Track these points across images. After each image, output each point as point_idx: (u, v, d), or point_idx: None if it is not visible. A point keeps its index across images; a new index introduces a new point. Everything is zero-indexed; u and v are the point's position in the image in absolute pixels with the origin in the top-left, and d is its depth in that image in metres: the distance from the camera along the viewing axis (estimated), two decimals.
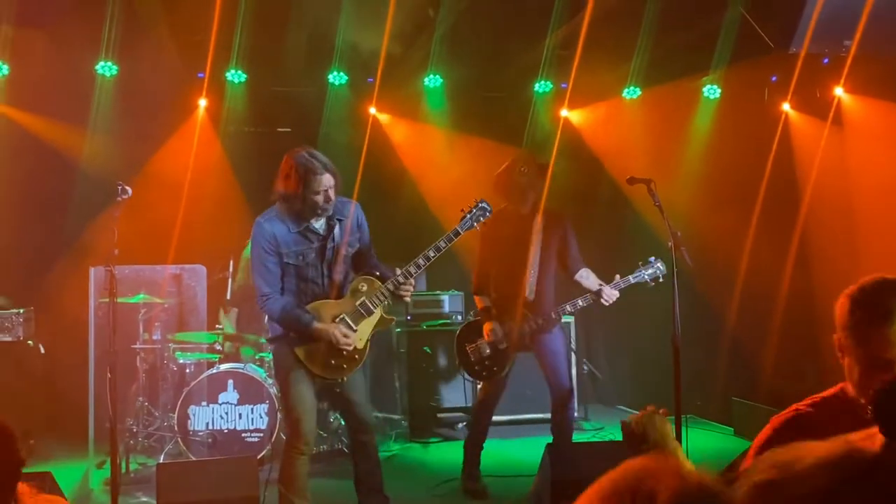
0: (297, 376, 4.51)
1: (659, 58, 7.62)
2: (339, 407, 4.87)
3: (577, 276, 5.60)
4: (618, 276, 5.41)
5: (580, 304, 5.42)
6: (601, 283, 5.45)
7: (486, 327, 5.48)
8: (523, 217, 5.55)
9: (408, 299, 4.61)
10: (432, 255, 4.55)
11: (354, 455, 4.86)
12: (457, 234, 4.65)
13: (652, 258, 5.43)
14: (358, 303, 4.52)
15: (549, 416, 5.67)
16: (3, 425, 2.05)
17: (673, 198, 6.46)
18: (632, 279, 5.39)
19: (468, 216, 4.73)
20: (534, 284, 5.49)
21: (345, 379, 4.55)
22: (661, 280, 5.41)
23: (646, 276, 5.38)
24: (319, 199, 4.42)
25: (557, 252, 5.60)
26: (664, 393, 5.46)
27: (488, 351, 5.48)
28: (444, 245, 4.58)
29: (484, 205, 4.76)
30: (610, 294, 5.37)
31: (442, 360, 7.48)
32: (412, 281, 4.56)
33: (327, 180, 4.41)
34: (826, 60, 7.40)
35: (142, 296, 6.33)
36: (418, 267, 4.52)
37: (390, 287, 4.51)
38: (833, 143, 7.52)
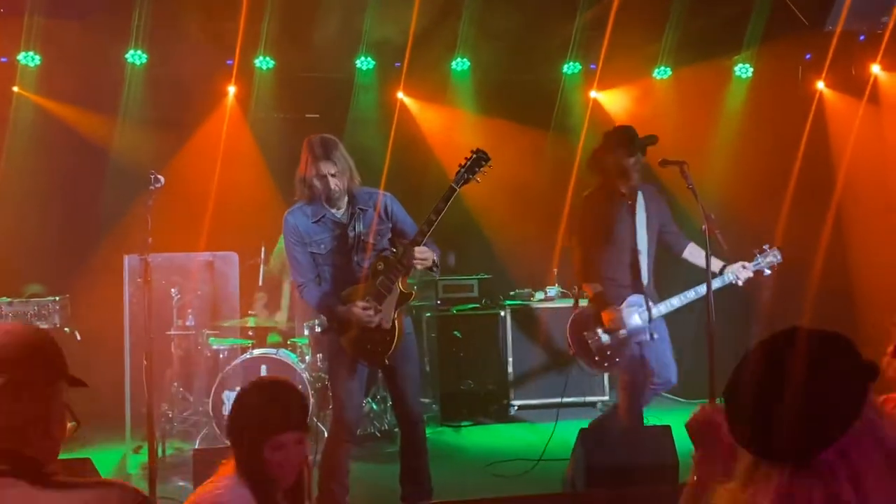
0: (343, 365, 4.55)
1: (690, 37, 7.51)
2: (392, 396, 4.87)
3: (687, 254, 5.23)
4: (740, 262, 5.06)
5: (716, 285, 4.86)
6: (722, 261, 5.04)
7: (606, 315, 5.03)
8: (623, 196, 5.08)
9: (420, 267, 4.43)
10: (434, 218, 4.38)
11: (402, 445, 4.79)
12: (452, 191, 4.42)
13: (766, 245, 5.11)
14: (378, 282, 4.49)
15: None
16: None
17: (705, 179, 6.38)
18: (752, 267, 5.06)
19: (462, 169, 4.45)
20: (647, 269, 5.12)
21: (387, 362, 4.54)
22: (776, 267, 5.11)
23: (764, 265, 5.09)
24: (317, 183, 4.40)
25: (658, 230, 5.21)
26: (699, 376, 5.39)
27: (609, 339, 5.08)
28: (443, 206, 4.38)
29: (480, 154, 4.45)
30: (743, 273, 5.02)
31: (472, 344, 7.46)
32: (422, 248, 4.38)
33: (325, 167, 4.37)
34: (862, 37, 7.26)
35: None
36: (423, 234, 4.39)
37: (402, 260, 4.43)
38: (869, 122, 7.39)
